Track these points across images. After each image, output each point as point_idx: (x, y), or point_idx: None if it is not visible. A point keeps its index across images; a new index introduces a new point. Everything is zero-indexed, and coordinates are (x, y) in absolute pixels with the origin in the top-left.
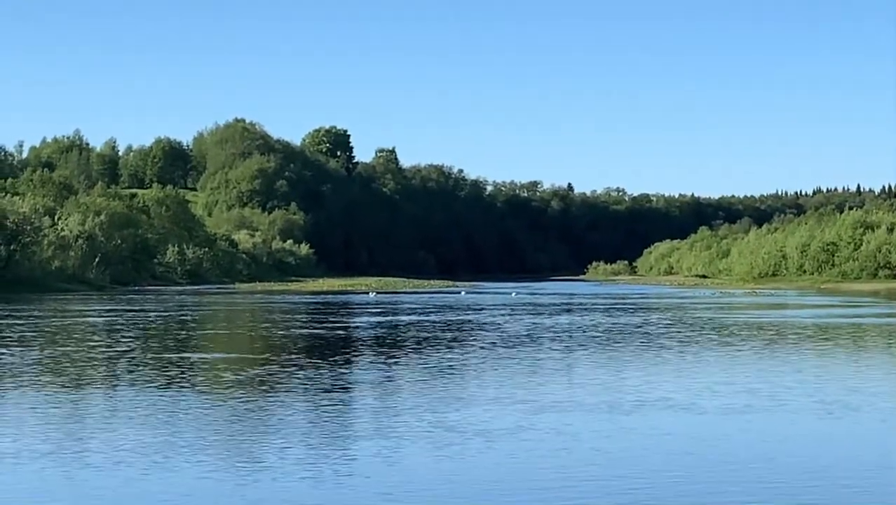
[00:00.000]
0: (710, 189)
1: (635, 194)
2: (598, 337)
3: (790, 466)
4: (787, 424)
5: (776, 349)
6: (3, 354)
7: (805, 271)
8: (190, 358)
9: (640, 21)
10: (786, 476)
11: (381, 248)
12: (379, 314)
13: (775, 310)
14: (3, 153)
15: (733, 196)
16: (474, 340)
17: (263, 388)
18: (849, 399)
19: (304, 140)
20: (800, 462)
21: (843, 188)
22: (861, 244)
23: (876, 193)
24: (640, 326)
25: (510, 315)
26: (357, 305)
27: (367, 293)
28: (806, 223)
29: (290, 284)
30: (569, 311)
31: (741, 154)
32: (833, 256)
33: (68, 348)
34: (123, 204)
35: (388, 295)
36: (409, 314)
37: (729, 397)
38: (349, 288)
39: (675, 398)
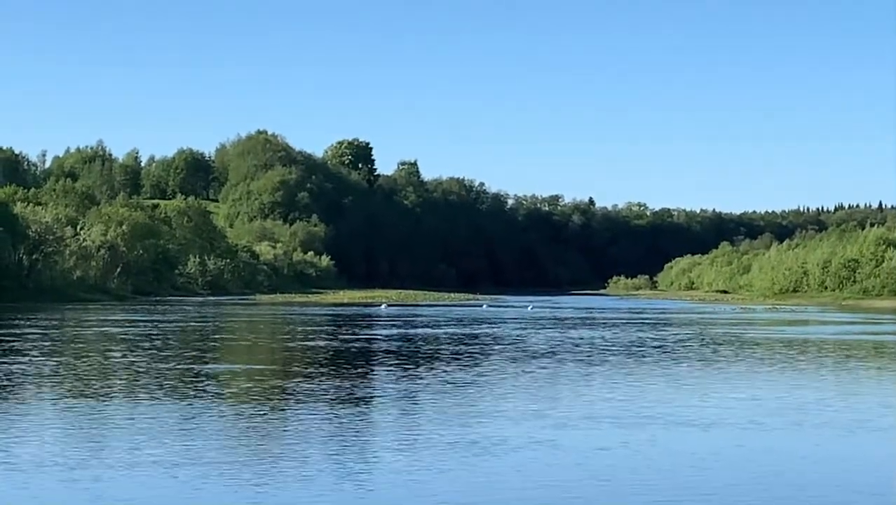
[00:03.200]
0: (732, 204)
1: (656, 209)
2: (617, 352)
3: (805, 485)
4: (805, 442)
5: (797, 366)
6: (24, 363)
7: (826, 288)
8: (209, 369)
9: (663, 36)
10: (799, 495)
11: (401, 260)
12: (397, 327)
13: (797, 326)
14: (26, 163)
15: (754, 212)
16: (493, 353)
17: (282, 400)
18: (871, 418)
19: (325, 152)
20: (814, 480)
21: (865, 205)
22: (883, 261)
23: None
24: (660, 342)
25: (529, 329)
26: (372, 317)
27: (380, 305)
28: (827, 239)
29: (310, 295)
30: (589, 325)
31: (763, 170)
32: (855, 272)
33: (89, 358)
34: (145, 214)
35: (407, 308)
36: (427, 327)
37: (749, 414)
38: (370, 300)
39: (693, 414)
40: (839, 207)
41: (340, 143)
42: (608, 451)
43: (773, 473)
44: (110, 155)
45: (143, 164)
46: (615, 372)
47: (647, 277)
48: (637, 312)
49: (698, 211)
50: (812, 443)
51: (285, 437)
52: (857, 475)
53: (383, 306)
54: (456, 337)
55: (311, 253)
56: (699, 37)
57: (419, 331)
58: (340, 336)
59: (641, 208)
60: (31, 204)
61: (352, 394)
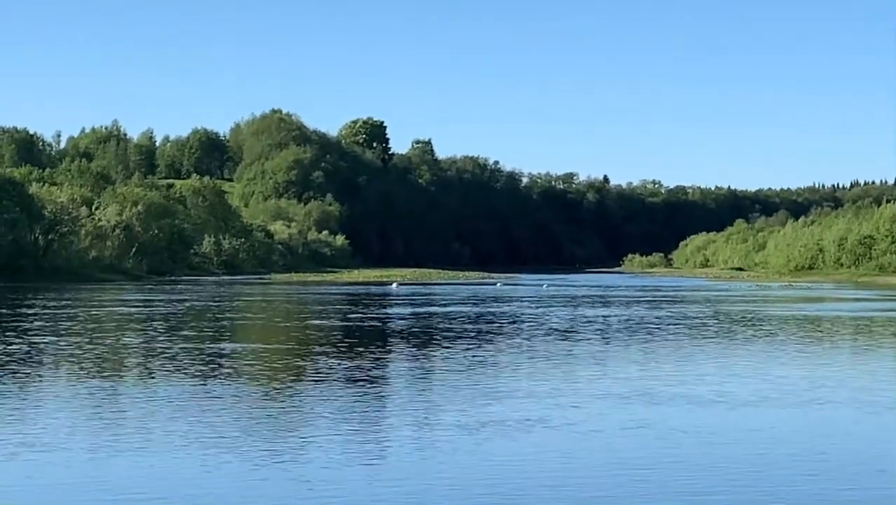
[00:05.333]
0: (747, 182)
1: (671, 186)
2: (633, 330)
3: (820, 464)
4: (822, 421)
5: (815, 343)
6: (39, 343)
7: (842, 265)
8: (224, 348)
9: (677, 15)
10: (817, 473)
11: (416, 239)
12: (410, 306)
13: (812, 303)
14: (41, 143)
15: (770, 189)
16: (508, 332)
17: (295, 379)
18: (887, 396)
19: (340, 131)
20: (831, 459)
21: (881, 181)
22: None
23: None
24: (675, 320)
25: (544, 308)
26: (384, 297)
27: (391, 284)
28: (843, 216)
29: (325, 274)
30: (604, 303)
31: (778, 146)
32: (870, 249)
33: (104, 338)
34: (160, 194)
35: (421, 286)
36: (440, 306)
37: (771, 392)
38: (384, 279)
39: (712, 392)
40: (855, 184)
41: (355, 122)
42: (628, 430)
43: (817, 451)
44: (125, 135)
45: (157, 144)
46: (631, 350)
47: (661, 254)
48: (652, 290)
49: (713, 188)
50: (824, 422)
51: (299, 416)
52: (868, 455)
53: (395, 285)
54: (469, 316)
55: (325, 232)
56: (714, 13)
57: (432, 310)
58: (353, 315)
59: (656, 186)
60: (46, 184)
61: (365, 373)
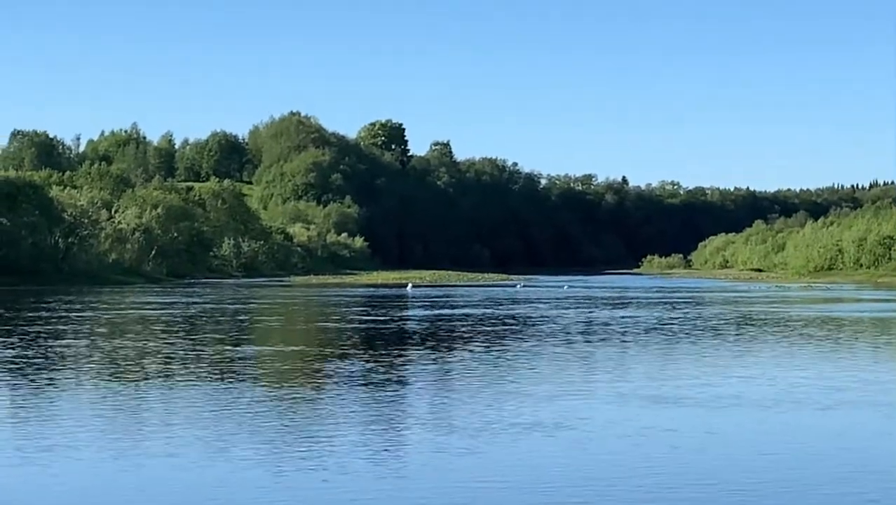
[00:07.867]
0: (766, 182)
1: (690, 188)
2: (653, 331)
3: (837, 466)
4: (843, 423)
5: (833, 345)
6: (60, 345)
7: (861, 265)
8: (243, 351)
9: (696, 15)
10: (833, 476)
11: (435, 241)
12: (428, 308)
13: (832, 304)
14: (61, 147)
15: (789, 189)
16: (527, 333)
17: (314, 382)
18: None
19: (359, 133)
20: (853, 461)
21: None
22: None
23: None
24: (695, 321)
25: (564, 309)
26: (402, 299)
27: (406, 287)
28: (862, 217)
29: (344, 277)
30: (623, 305)
31: (797, 147)
32: (890, 249)
33: (124, 341)
34: (180, 197)
35: (439, 288)
36: (459, 308)
37: (785, 394)
38: (403, 281)
39: (731, 393)
40: (874, 184)
41: (373, 124)
42: (649, 431)
43: (839, 453)
44: (144, 138)
45: (177, 147)
46: (651, 352)
47: (680, 255)
48: (671, 291)
49: (732, 189)
50: (868, 423)
51: (316, 419)
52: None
53: (409, 287)
54: (489, 318)
55: (344, 234)
56: (732, 12)
57: (451, 312)
58: (370, 318)
59: (675, 187)
60: (66, 187)
61: (383, 375)
